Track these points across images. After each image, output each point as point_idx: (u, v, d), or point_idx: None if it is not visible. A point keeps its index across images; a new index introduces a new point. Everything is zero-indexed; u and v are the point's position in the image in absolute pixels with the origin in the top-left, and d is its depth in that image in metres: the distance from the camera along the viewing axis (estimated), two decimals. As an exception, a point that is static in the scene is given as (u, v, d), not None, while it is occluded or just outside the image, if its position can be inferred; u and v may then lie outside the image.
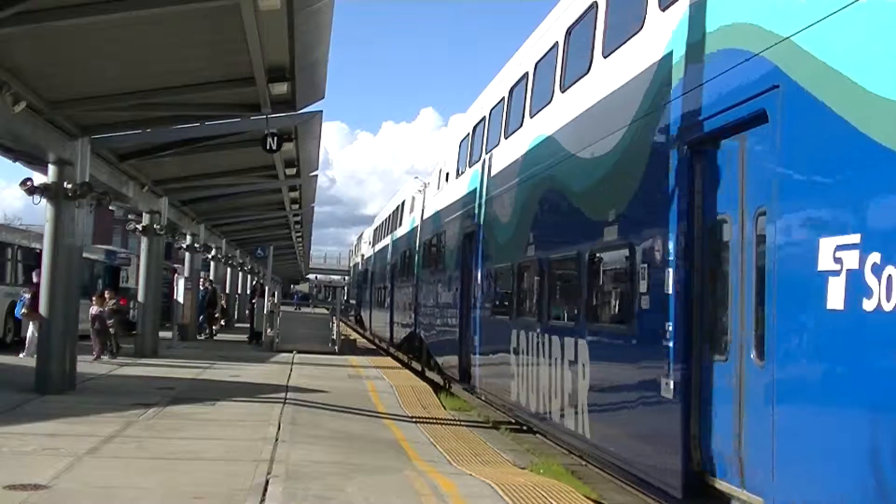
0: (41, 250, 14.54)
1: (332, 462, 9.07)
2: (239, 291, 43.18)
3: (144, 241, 20.77)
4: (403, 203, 28.59)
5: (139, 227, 20.47)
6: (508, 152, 13.18)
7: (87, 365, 16.41)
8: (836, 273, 5.06)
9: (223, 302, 34.05)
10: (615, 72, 8.79)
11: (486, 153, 14.92)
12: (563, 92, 10.60)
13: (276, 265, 47.74)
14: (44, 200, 13.32)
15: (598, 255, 9.37)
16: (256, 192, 24.86)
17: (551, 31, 11.42)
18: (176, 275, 27.77)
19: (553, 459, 11.12)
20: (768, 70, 5.93)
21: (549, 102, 11.14)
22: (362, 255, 48.51)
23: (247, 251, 41.65)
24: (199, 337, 27.93)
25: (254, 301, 31.14)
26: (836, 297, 5.05)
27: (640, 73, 8.11)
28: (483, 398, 15.54)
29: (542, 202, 11.43)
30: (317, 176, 25.40)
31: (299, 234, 41.97)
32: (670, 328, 7.17)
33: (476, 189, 15.45)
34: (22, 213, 71.33)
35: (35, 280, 18.29)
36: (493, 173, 14.27)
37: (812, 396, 5.34)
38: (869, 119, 4.93)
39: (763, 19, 6.13)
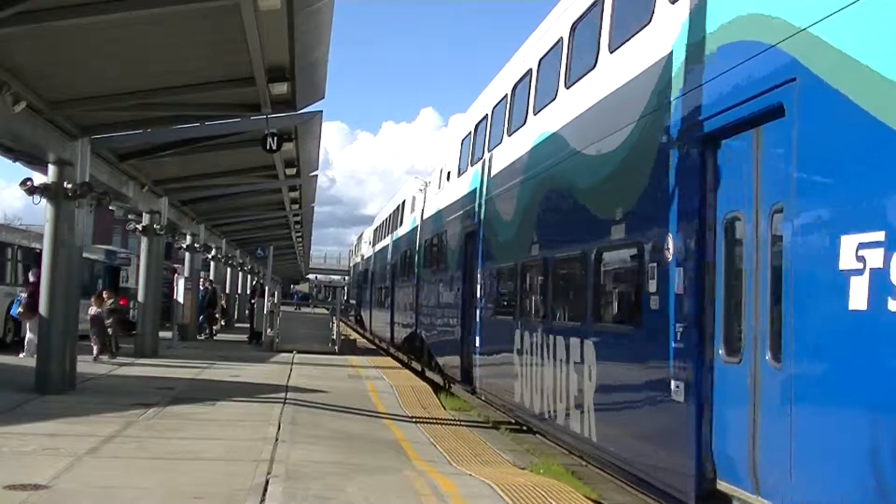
0: (41, 250, 14.54)
1: (332, 462, 9.07)
2: (239, 291, 43.17)
3: (144, 241, 20.77)
4: (404, 202, 28.55)
5: (139, 227, 20.47)
6: (511, 150, 13.02)
7: (86, 365, 16.41)
8: (859, 272, 4.88)
9: (223, 302, 34.07)
10: (622, 67, 8.62)
11: (489, 151, 14.78)
12: (567, 88, 10.45)
13: (276, 265, 47.74)
14: (44, 200, 13.32)
15: (604, 253, 9.18)
16: (256, 192, 24.86)
17: (556, 26, 11.26)
18: (176, 275, 27.78)
19: (553, 459, 11.11)
20: (785, 62, 5.75)
21: (554, 99, 10.97)
22: (362, 255, 48.50)
23: (247, 251, 41.65)
24: (199, 337, 27.93)
25: (254, 301, 31.15)
26: (858, 297, 4.87)
27: (649, 68, 7.94)
28: (484, 398, 15.43)
29: (547, 200, 11.26)
30: (317, 176, 25.42)
31: (299, 234, 41.97)
32: (680, 329, 7.00)
33: (478, 188, 15.30)
34: (22, 213, 71.47)
35: (32, 279, 18.33)
36: (495, 172, 14.12)
37: (833, 400, 5.16)
38: (894, 111, 4.77)
39: (778, 10, 5.95)
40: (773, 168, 6.06)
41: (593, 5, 9.68)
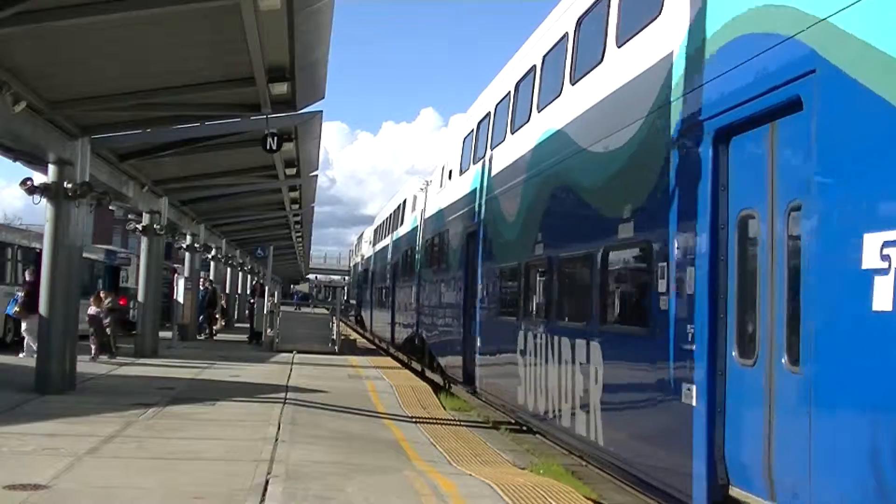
0: (41, 250, 14.54)
1: (331, 462, 9.07)
2: (239, 291, 43.17)
3: (144, 241, 20.77)
4: (405, 202, 28.45)
5: (139, 227, 20.47)
6: (515, 148, 12.84)
7: (86, 365, 16.42)
8: (884, 272, 4.69)
9: (223, 302, 34.06)
10: (631, 62, 8.43)
11: (491, 150, 14.61)
12: (573, 84, 10.26)
13: (276, 265, 47.76)
14: (44, 200, 13.32)
15: (611, 253, 8.97)
16: (256, 192, 24.86)
17: (561, 21, 11.06)
18: (176, 275, 27.78)
19: (553, 460, 11.11)
20: (803, 54, 5.53)
21: (559, 96, 10.78)
22: (362, 255, 48.49)
23: (247, 251, 41.65)
24: (199, 337, 27.93)
25: (254, 301, 31.15)
26: (883, 297, 4.68)
27: (659, 62, 7.74)
28: (486, 400, 15.30)
29: (552, 199, 11.06)
30: (317, 176, 25.42)
31: (299, 234, 41.98)
32: (692, 330, 6.79)
33: (481, 186, 15.11)
34: (22, 213, 71.48)
35: (28, 279, 18.34)
36: (498, 170, 13.91)
37: (856, 404, 4.97)
38: None
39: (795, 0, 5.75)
40: (789, 164, 5.84)
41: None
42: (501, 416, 14.40)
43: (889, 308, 4.64)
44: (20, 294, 18.26)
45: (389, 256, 31.88)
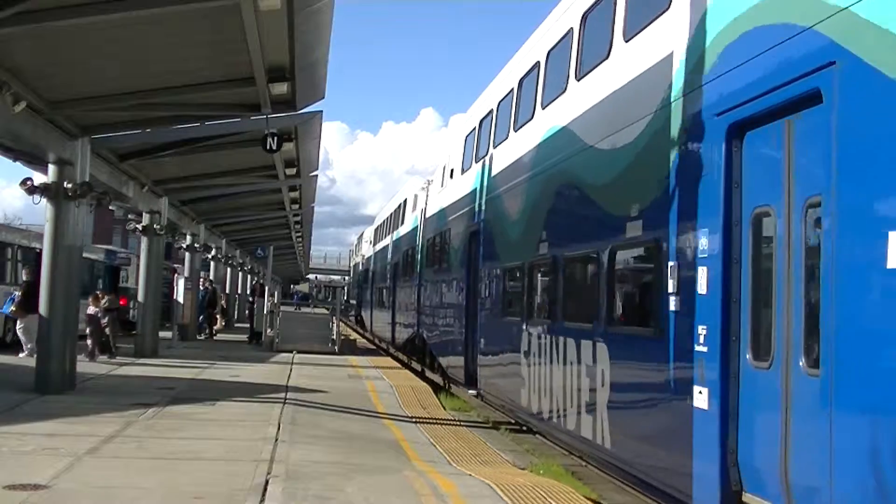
0: (41, 250, 14.54)
1: (331, 462, 9.07)
2: (239, 291, 43.18)
3: (144, 241, 20.77)
4: (405, 201, 28.36)
5: (139, 227, 20.47)
6: (518, 146, 12.65)
7: (86, 365, 16.42)
8: None
9: (223, 302, 34.06)
10: (639, 56, 8.26)
11: (494, 147, 14.37)
12: (578, 80, 10.08)
13: (276, 265, 47.76)
14: (44, 200, 13.32)
15: (619, 252, 8.79)
16: (256, 192, 24.85)
17: (565, 16, 10.86)
18: (176, 275, 27.79)
19: (553, 460, 11.10)
20: (823, 45, 5.35)
21: (564, 92, 10.59)
22: (363, 255, 48.47)
23: (247, 251, 41.65)
24: (198, 337, 27.93)
25: (254, 301, 31.15)
26: None
27: (669, 56, 7.55)
28: (488, 401, 15.14)
29: (557, 197, 10.86)
30: (317, 176, 25.41)
31: (299, 234, 41.98)
32: (703, 331, 6.60)
33: (483, 185, 14.93)
34: (22, 213, 71.51)
35: (25, 278, 18.34)
36: (501, 168, 13.72)
37: (881, 410, 4.78)
38: None
39: None
40: (808, 159, 5.65)
41: None
42: (501, 417, 14.39)
43: None
44: (17, 293, 18.26)
45: (390, 256, 31.83)
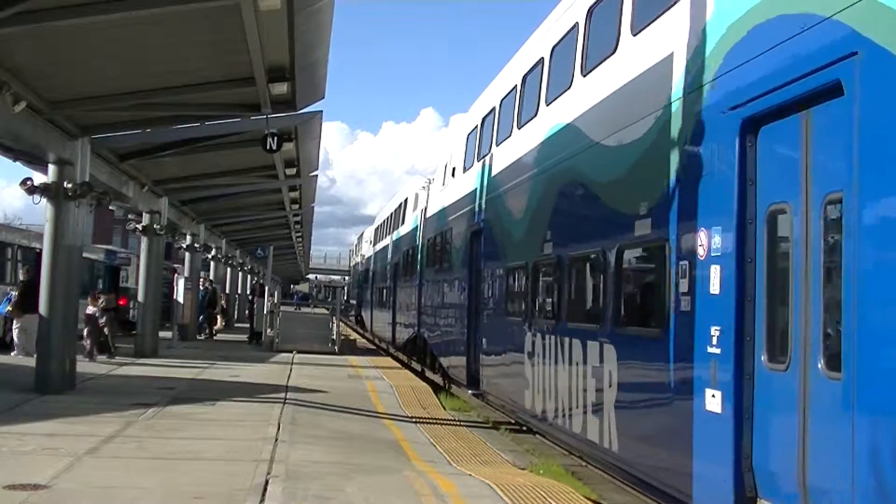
0: (41, 250, 14.54)
1: (331, 462, 9.07)
2: (239, 291, 43.19)
3: (144, 241, 20.78)
4: (406, 200, 28.26)
5: (139, 227, 20.48)
6: (521, 144, 12.46)
7: (86, 365, 16.42)
8: None
9: (223, 302, 34.07)
10: (647, 50, 8.06)
11: (497, 146, 14.18)
12: (584, 76, 9.89)
13: (276, 265, 47.75)
14: (44, 200, 13.32)
15: (627, 251, 8.59)
16: (256, 192, 24.86)
17: (570, 11, 10.69)
18: (176, 275, 27.80)
19: (553, 460, 11.10)
20: (844, 35, 5.15)
21: (569, 88, 10.38)
22: (363, 255, 48.47)
23: (247, 251, 41.66)
24: (198, 337, 27.94)
25: (253, 301, 31.15)
26: None
27: (679, 50, 7.38)
28: (491, 403, 15.01)
29: (562, 195, 10.64)
30: (317, 176, 25.42)
31: (299, 234, 41.98)
32: (716, 332, 6.40)
33: (486, 183, 14.75)
34: (22, 213, 71.45)
35: (23, 278, 18.35)
36: (503, 166, 13.54)
37: None
38: None
39: None
40: (827, 154, 5.44)
41: None
42: (501, 417, 14.38)
43: None
44: (13, 293, 18.27)
45: (390, 256, 31.77)
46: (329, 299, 77.25)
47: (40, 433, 9.84)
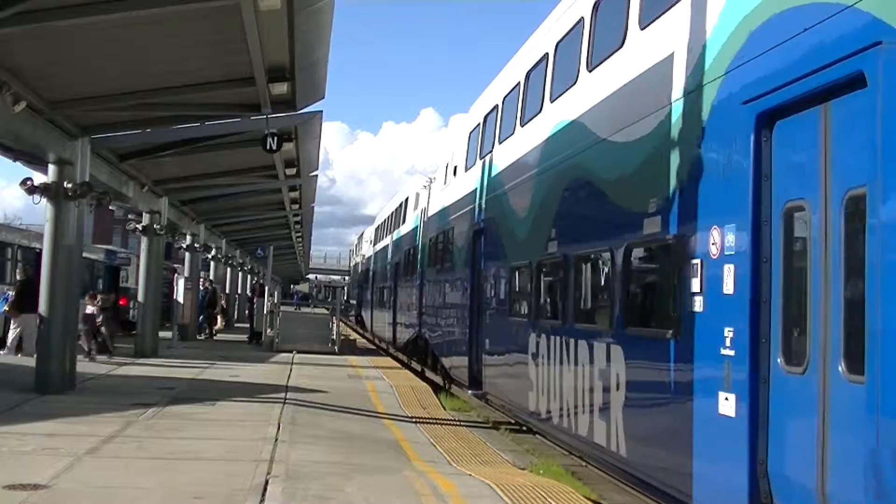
0: (41, 250, 14.56)
1: (331, 462, 9.07)
2: (239, 291, 43.20)
3: (144, 241, 20.79)
4: (407, 200, 28.14)
5: (139, 227, 20.49)
6: (525, 141, 12.23)
7: (86, 365, 16.44)
8: None
9: (223, 302, 34.08)
10: (656, 44, 7.87)
11: (500, 143, 13.95)
12: (590, 71, 9.68)
13: (276, 265, 47.77)
14: (44, 200, 13.33)
15: (636, 250, 8.40)
16: (256, 192, 24.87)
17: (576, 6, 10.47)
18: (176, 275, 27.80)
19: (553, 460, 11.10)
20: (866, 24, 4.95)
21: (574, 84, 10.17)
22: (363, 255, 48.44)
23: (247, 251, 41.67)
24: (198, 337, 27.95)
25: (253, 301, 31.15)
26: None
27: (690, 43, 7.18)
28: (494, 405, 14.91)
29: (567, 193, 10.41)
30: (317, 176, 25.42)
31: (299, 234, 41.99)
32: (730, 334, 6.20)
33: (488, 182, 14.57)
34: (22, 213, 71.49)
35: (20, 278, 18.36)
36: (506, 164, 13.32)
37: None
38: None
39: None
40: (848, 148, 5.24)
41: None
42: (501, 417, 14.38)
43: None
44: (10, 293, 18.28)
45: (391, 256, 31.70)
46: (329, 299, 77.26)
47: (40, 433, 9.84)
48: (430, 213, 22.15)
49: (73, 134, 13.40)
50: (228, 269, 37.88)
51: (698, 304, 6.76)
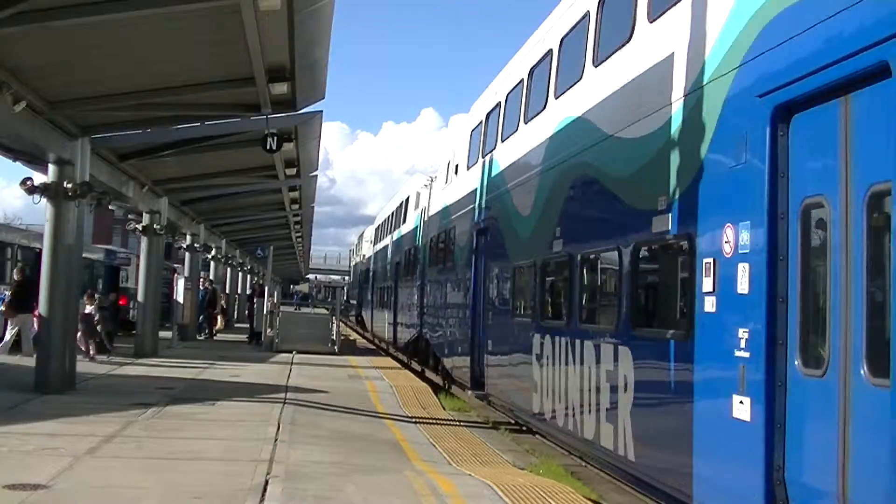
0: (41, 250, 14.55)
1: (331, 462, 9.07)
2: (239, 291, 43.19)
3: (144, 241, 20.79)
4: (408, 199, 28.01)
5: (139, 227, 20.49)
6: (529, 139, 12.09)
7: (86, 365, 16.44)
8: None
9: (223, 302, 34.08)
10: (664, 37, 7.69)
11: (502, 141, 13.81)
12: (596, 67, 9.53)
13: (276, 265, 47.77)
14: (44, 200, 13.33)
15: (645, 248, 8.20)
16: (256, 192, 24.87)
17: (581, 1, 10.31)
18: (176, 275, 27.79)
19: (553, 460, 11.10)
20: (890, 11, 4.78)
21: (579, 80, 10.00)
22: (363, 255, 48.41)
23: (247, 251, 41.67)
24: (198, 337, 27.95)
25: (253, 301, 31.15)
26: None
27: (701, 35, 6.99)
28: (497, 406, 14.82)
29: (572, 191, 10.24)
30: (317, 176, 25.43)
31: (299, 235, 41.97)
32: (745, 335, 5.99)
33: (491, 180, 14.43)
34: (22, 213, 71.50)
35: (17, 277, 18.35)
36: (509, 162, 13.17)
37: None
38: None
39: None
40: (871, 141, 5.05)
41: None
42: (501, 417, 14.37)
43: None
44: (7, 293, 18.27)
45: (391, 255, 31.65)
46: (329, 299, 77.22)
47: (40, 433, 9.84)
48: (431, 212, 22.05)
49: (72, 134, 13.40)
50: (228, 270, 37.88)
51: (711, 305, 6.57)
